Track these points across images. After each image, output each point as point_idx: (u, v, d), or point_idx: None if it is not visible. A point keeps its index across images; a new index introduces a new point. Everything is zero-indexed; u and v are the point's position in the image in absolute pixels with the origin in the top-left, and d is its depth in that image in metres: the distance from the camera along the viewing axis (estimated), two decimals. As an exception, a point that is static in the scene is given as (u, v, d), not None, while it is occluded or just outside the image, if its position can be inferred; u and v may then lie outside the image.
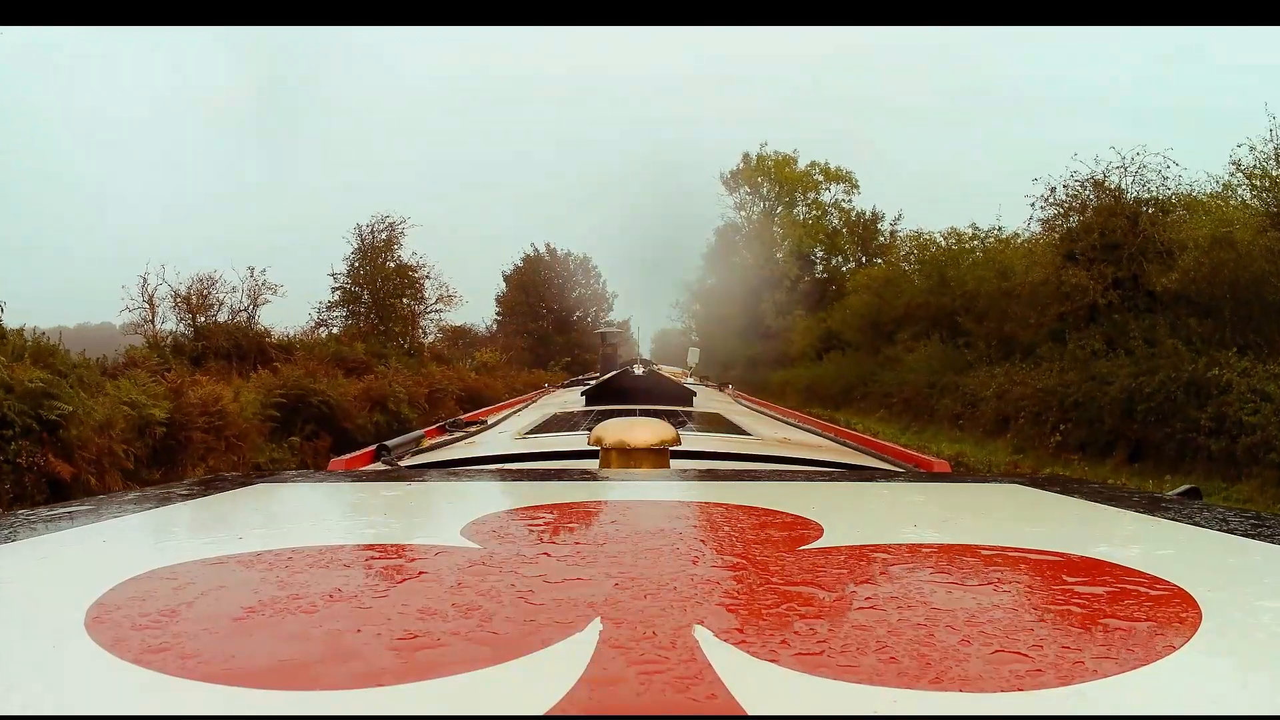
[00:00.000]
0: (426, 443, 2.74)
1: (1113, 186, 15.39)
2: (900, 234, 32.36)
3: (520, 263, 37.31)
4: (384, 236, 23.65)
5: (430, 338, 24.12)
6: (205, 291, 18.41)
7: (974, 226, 21.63)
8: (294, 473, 1.44)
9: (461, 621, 0.59)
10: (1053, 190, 16.08)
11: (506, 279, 37.49)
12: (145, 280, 17.53)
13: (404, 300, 23.21)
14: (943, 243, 22.70)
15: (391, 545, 0.89)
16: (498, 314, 36.79)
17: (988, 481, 1.54)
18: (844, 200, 37.48)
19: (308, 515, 1.14)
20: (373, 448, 2.33)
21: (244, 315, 18.53)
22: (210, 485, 1.21)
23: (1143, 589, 0.68)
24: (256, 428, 12.34)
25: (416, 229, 23.86)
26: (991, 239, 21.00)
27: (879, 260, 33.42)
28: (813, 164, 37.65)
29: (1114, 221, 14.94)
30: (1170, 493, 1.30)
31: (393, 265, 23.28)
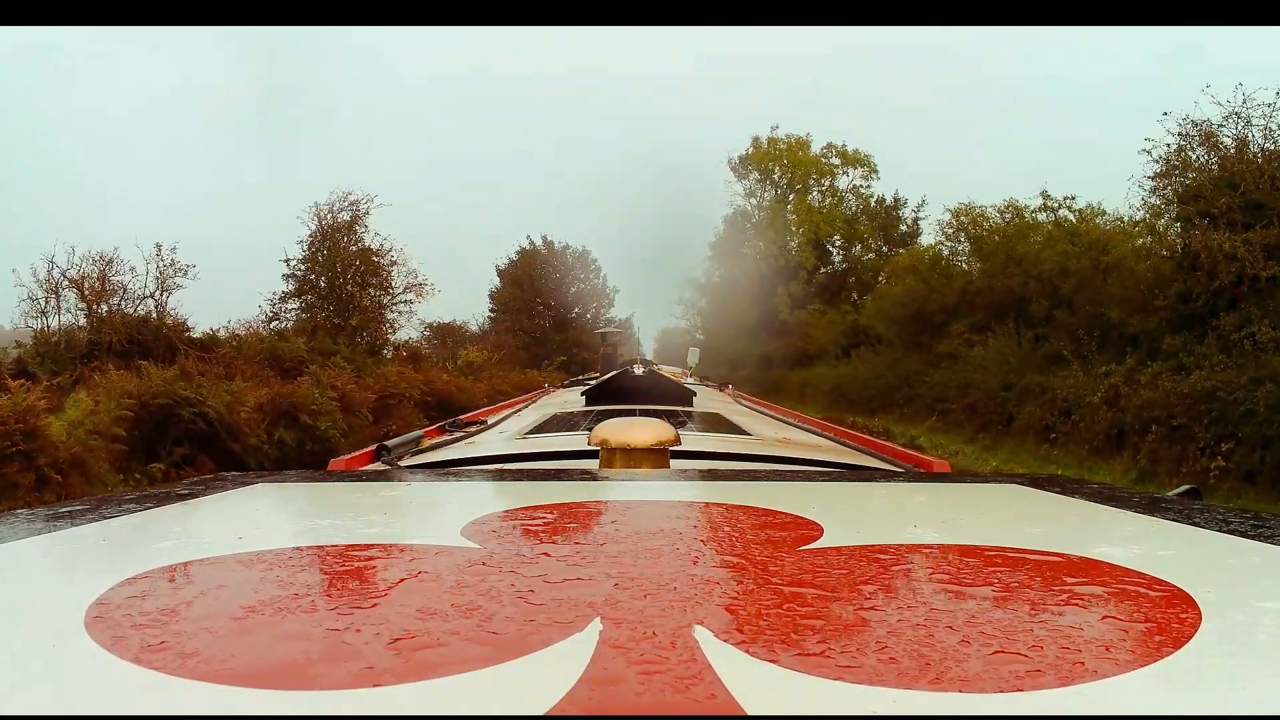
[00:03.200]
0: (426, 443, 2.63)
1: (1232, 139, 11.16)
2: (925, 219, 28.20)
3: (516, 256, 33.06)
4: (345, 216, 19.46)
5: (401, 332, 20.05)
6: (104, 275, 14.06)
7: (1044, 195, 17.23)
8: (294, 472, 1.45)
9: (461, 621, 0.59)
10: (1192, 125, 11.78)
11: (501, 273, 35.06)
12: (52, 263, 13.30)
13: (370, 290, 19.04)
14: (997, 217, 18.25)
15: (391, 545, 0.86)
16: (491, 310, 34.28)
17: (988, 481, 1.49)
18: (862, 186, 33.13)
19: (307, 515, 1.11)
20: (373, 448, 2.26)
21: (151, 303, 14.30)
22: (210, 485, 1.21)
23: (1142, 589, 0.68)
24: (97, 452, 9.01)
25: (385, 209, 19.71)
26: (1065, 209, 16.54)
27: (901, 250, 29.13)
28: (829, 146, 33.99)
29: (1250, 174, 10.69)
30: (1170, 493, 1.28)
31: (355, 249, 19.04)
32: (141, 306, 14.76)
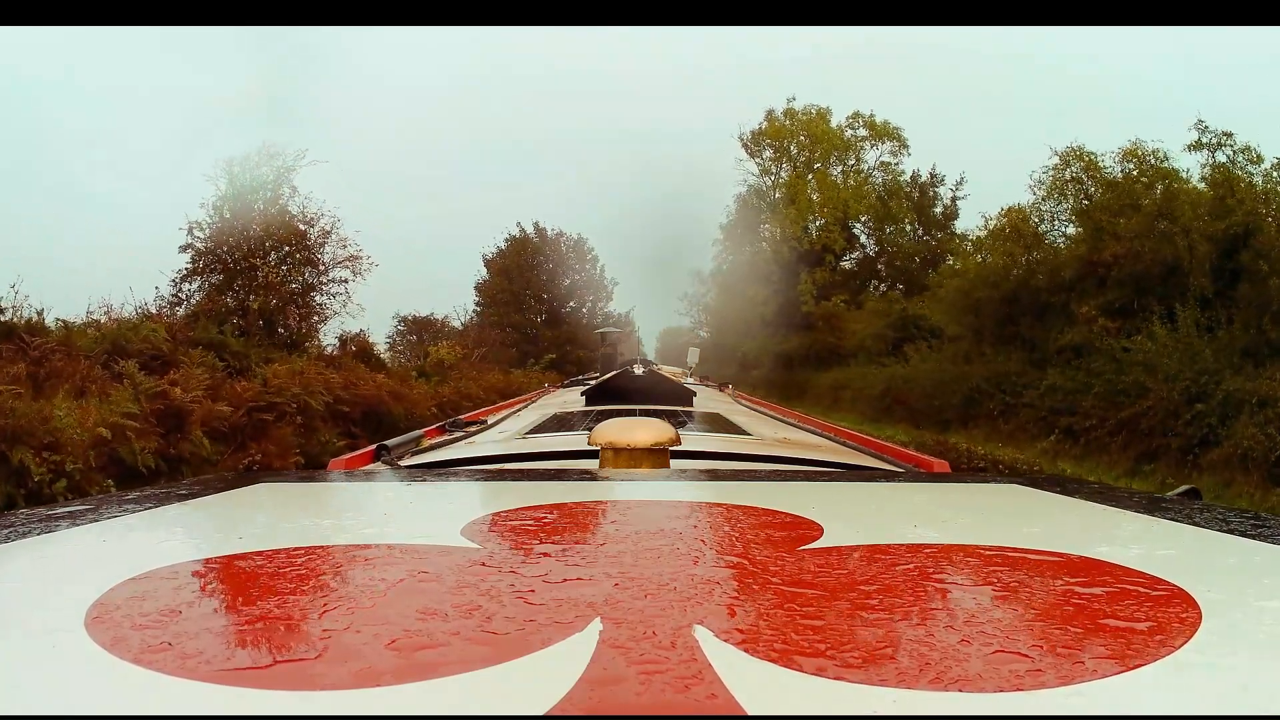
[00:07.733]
0: (426, 443, 2.56)
1: None
2: (964, 199, 23.21)
3: (504, 245, 28.74)
4: (267, 174, 14.52)
5: (353, 323, 15.39)
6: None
7: (1200, 127, 12.19)
8: (294, 472, 1.46)
9: (461, 621, 0.60)
10: None
11: (488, 264, 32.14)
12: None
13: (295, 266, 14.13)
14: (1115, 167, 13.22)
15: (391, 545, 0.86)
16: (477, 304, 31.17)
17: (988, 481, 1.49)
18: (891, 161, 28.21)
19: (308, 515, 1.11)
20: (373, 448, 2.22)
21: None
22: (210, 485, 1.20)
23: (1143, 589, 0.69)
24: None
25: (318, 166, 14.89)
26: (1225, 148, 11.54)
27: (939, 233, 24.15)
28: (854, 115, 29.29)
29: None
30: (1170, 493, 1.27)
31: (274, 211, 14.12)
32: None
